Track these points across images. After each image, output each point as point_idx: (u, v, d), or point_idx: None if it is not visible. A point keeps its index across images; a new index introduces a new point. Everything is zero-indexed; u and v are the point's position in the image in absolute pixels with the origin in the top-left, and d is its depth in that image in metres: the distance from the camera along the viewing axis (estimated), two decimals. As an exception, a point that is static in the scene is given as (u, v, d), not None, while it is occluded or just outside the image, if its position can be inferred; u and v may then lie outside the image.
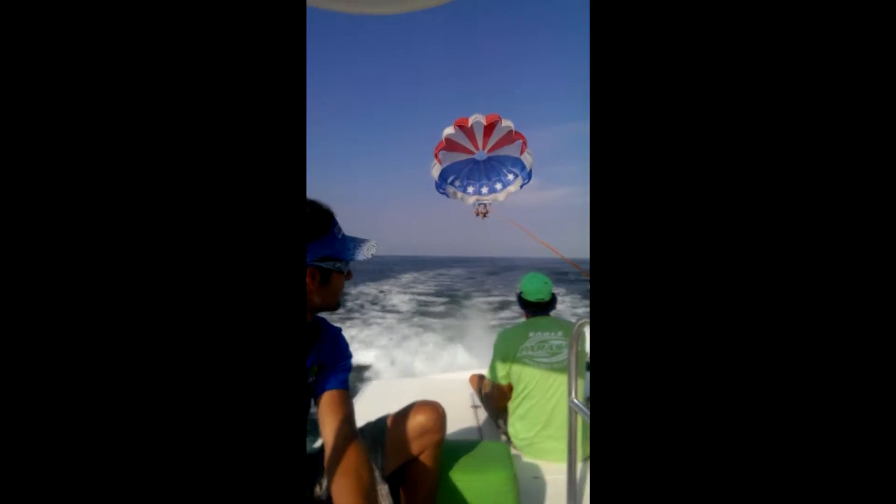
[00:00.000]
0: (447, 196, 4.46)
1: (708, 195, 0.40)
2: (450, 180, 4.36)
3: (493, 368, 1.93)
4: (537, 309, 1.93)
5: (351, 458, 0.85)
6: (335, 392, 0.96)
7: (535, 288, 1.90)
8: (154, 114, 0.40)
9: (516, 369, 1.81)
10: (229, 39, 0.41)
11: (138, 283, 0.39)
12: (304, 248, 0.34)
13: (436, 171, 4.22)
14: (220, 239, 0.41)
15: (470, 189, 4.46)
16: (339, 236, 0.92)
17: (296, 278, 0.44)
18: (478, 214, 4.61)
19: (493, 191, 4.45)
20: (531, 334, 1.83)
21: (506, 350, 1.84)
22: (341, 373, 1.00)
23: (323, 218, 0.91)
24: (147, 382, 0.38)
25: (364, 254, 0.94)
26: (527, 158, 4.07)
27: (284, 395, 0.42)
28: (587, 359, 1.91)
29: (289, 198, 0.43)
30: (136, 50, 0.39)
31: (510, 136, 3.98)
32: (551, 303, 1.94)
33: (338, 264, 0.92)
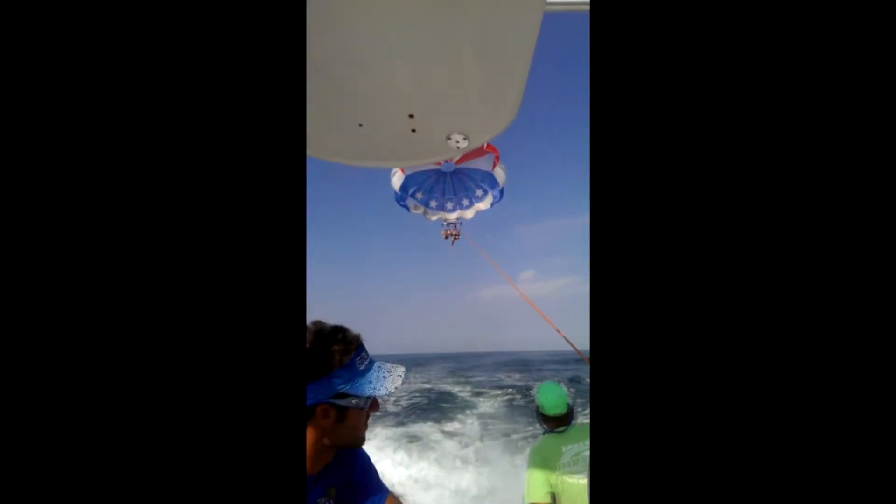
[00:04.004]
0: (408, 209, 3.97)
1: (711, 201, 0.41)
2: (411, 192, 3.87)
3: (530, 487, 1.77)
4: (558, 423, 1.88)
5: None
6: (393, 499, 0.96)
7: (553, 402, 1.88)
8: (147, 127, 0.41)
9: (559, 484, 1.71)
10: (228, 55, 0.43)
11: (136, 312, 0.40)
12: (303, 242, 0.40)
13: (397, 179, 3.72)
14: (218, 239, 0.43)
15: (433, 203, 4.00)
16: (362, 367, 0.85)
17: (296, 282, 0.45)
18: (447, 237, 4.19)
19: (459, 207, 4.02)
20: (564, 448, 1.77)
21: (544, 464, 1.75)
22: (380, 486, 0.96)
23: (346, 348, 0.84)
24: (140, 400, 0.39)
25: (388, 387, 0.84)
26: (499, 173, 3.69)
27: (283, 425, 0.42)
28: None
29: (287, 195, 0.44)
30: (134, 53, 0.41)
31: (481, 149, 3.59)
32: (569, 414, 1.90)
33: (354, 400, 0.83)
